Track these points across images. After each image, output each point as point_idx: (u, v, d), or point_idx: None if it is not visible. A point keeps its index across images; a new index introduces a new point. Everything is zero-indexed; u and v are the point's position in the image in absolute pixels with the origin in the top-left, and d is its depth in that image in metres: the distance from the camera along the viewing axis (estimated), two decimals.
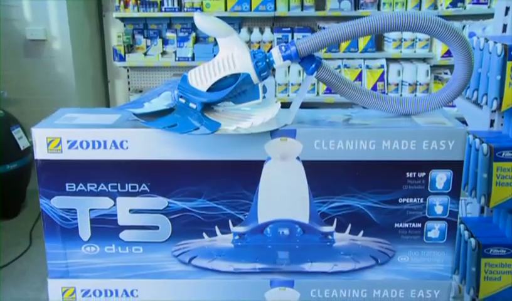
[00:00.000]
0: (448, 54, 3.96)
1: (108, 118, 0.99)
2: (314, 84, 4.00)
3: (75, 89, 3.94)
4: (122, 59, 4.14)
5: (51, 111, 1.03)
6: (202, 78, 0.94)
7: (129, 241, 0.99)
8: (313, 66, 0.96)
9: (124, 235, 0.98)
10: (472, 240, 1.46)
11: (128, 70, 4.41)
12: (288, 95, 4.03)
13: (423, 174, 0.95)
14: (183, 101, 0.95)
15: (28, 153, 3.31)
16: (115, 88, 4.56)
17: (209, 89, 0.94)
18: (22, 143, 3.31)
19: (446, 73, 4.07)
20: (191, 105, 0.95)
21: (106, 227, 0.98)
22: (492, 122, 1.54)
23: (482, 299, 1.53)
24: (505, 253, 1.43)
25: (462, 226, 1.54)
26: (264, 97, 0.98)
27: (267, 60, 0.94)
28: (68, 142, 0.93)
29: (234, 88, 0.93)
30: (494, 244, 1.44)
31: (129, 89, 4.45)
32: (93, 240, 0.99)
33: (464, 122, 1.10)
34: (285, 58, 0.95)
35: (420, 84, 4.02)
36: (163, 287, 1.01)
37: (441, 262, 1.00)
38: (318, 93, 4.06)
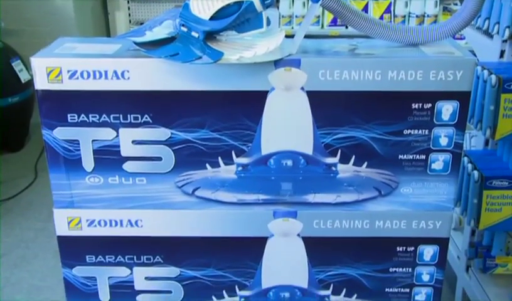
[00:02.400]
0: None
1: (109, 48, 0.97)
2: (319, 16, 3.90)
3: (74, 22, 3.84)
4: None
5: (50, 43, 1.00)
6: (204, 6, 0.91)
7: (132, 172, 0.99)
8: None
9: (127, 166, 0.98)
10: (475, 172, 1.47)
11: (128, 1, 4.29)
12: (292, 27, 3.92)
13: (429, 105, 0.94)
14: (185, 29, 0.93)
15: (30, 86, 3.28)
16: (115, 20, 4.44)
17: (211, 18, 0.91)
18: (23, 76, 3.27)
19: (456, 4, 3.94)
20: (193, 33, 0.92)
21: (109, 158, 0.98)
22: (502, 53, 1.50)
23: (482, 229, 1.56)
24: (507, 184, 1.44)
25: (465, 158, 1.54)
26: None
27: None
28: (68, 71, 0.92)
29: (237, 16, 0.90)
30: (497, 177, 1.44)
31: (130, 21, 4.35)
32: (96, 171, 0.99)
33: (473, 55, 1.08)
34: None
35: (428, 16, 3.90)
36: (167, 217, 1.02)
37: (444, 193, 1.00)
38: (323, 26, 3.96)
